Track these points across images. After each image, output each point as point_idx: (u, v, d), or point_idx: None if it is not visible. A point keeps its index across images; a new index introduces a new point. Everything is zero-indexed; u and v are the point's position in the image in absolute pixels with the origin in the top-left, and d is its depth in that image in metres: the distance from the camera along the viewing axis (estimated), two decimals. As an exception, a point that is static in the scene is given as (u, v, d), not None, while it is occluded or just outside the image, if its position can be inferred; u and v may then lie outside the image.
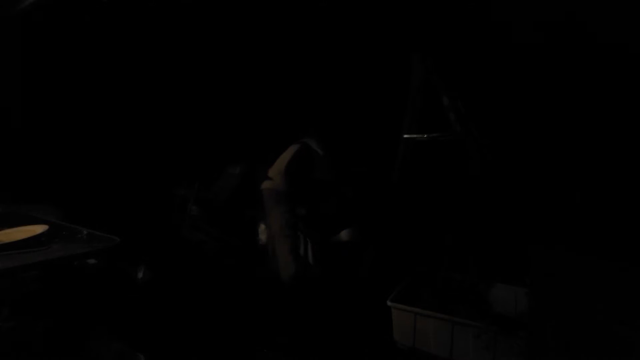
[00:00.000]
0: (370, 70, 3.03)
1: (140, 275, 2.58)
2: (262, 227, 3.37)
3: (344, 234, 3.09)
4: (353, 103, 3.17)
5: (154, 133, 3.87)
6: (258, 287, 2.87)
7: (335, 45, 3.08)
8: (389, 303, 2.14)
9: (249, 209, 3.57)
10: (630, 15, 2.00)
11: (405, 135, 2.66)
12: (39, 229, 1.72)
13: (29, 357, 1.69)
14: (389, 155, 2.78)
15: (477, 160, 2.42)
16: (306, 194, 2.91)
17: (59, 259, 1.55)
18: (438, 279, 2.41)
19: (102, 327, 1.94)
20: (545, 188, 2.41)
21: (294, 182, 2.80)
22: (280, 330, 2.38)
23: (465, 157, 2.45)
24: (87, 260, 2.05)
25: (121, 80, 3.64)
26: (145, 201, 3.76)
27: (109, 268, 2.31)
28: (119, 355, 1.81)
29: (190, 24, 3.36)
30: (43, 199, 2.68)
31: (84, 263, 2.08)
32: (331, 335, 2.30)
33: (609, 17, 2.07)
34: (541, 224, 2.33)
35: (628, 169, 2.17)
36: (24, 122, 3.17)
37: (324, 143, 3.01)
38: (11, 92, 3.04)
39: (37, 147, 3.23)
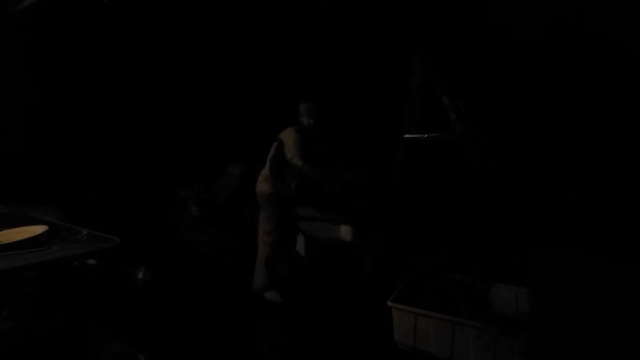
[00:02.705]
0: (370, 70, 3.03)
1: (140, 275, 2.58)
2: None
3: (344, 234, 3.09)
4: (352, 103, 3.17)
5: (154, 134, 3.87)
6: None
7: (335, 45, 3.08)
8: (389, 303, 2.14)
9: (248, 209, 3.57)
10: (630, 15, 2.00)
11: (406, 135, 2.66)
12: (38, 229, 1.72)
13: (29, 358, 1.69)
14: (389, 155, 2.78)
15: (477, 160, 2.41)
16: (292, 195, 2.84)
17: (58, 260, 1.54)
18: (438, 279, 2.41)
19: (102, 327, 1.94)
20: (545, 187, 2.41)
21: (276, 182, 2.69)
22: (279, 331, 2.38)
23: (465, 157, 2.45)
24: (87, 260, 2.06)
25: (121, 82, 3.64)
26: (145, 202, 3.76)
27: (109, 268, 2.32)
28: (119, 355, 1.81)
29: (190, 25, 3.36)
30: (43, 200, 2.69)
31: (84, 263, 2.08)
32: (331, 336, 2.30)
33: (609, 18, 2.07)
34: (541, 223, 2.33)
35: (628, 168, 2.16)
36: (24, 122, 3.17)
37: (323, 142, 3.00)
38: (11, 93, 3.04)
39: (37, 148, 3.23)
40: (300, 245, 3.19)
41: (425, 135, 2.59)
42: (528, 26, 2.30)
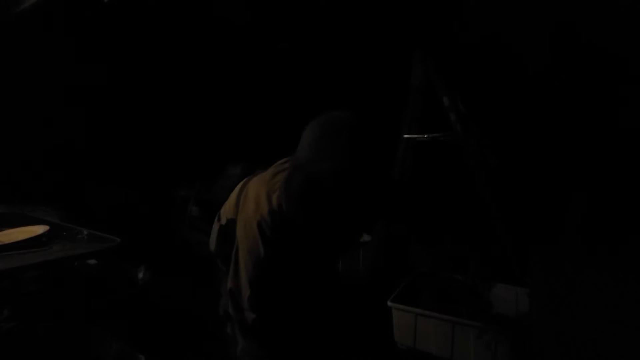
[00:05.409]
0: (370, 70, 3.03)
1: (140, 275, 2.58)
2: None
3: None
4: (353, 102, 3.16)
5: (155, 134, 3.87)
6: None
7: (336, 45, 3.08)
8: (389, 303, 2.14)
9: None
10: (629, 24, 2.00)
11: (406, 135, 2.66)
12: (39, 229, 1.73)
13: (29, 358, 1.69)
14: (388, 155, 2.78)
15: (477, 160, 2.41)
16: None
17: (59, 260, 1.55)
18: (438, 279, 2.41)
19: (102, 327, 1.94)
20: (546, 188, 2.41)
21: None
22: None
23: (466, 157, 2.45)
24: (88, 260, 2.06)
25: (122, 81, 3.64)
26: (146, 202, 3.76)
27: (109, 268, 2.32)
28: (119, 355, 1.81)
29: (191, 25, 3.37)
30: (44, 200, 2.69)
31: (85, 263, 2.08)
32: (331, 336, 2.30)
33: (609, 21, 2.07)
34: (542, 223, 2.33)
35: (628, 169, 2.17)
36: (24, 122, 3.17)
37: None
38: (10, 93, 3.05)
39: (37, 148, 3.23)
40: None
41: (426, 136, 2.58)
42: (529, 26, 2.31)
